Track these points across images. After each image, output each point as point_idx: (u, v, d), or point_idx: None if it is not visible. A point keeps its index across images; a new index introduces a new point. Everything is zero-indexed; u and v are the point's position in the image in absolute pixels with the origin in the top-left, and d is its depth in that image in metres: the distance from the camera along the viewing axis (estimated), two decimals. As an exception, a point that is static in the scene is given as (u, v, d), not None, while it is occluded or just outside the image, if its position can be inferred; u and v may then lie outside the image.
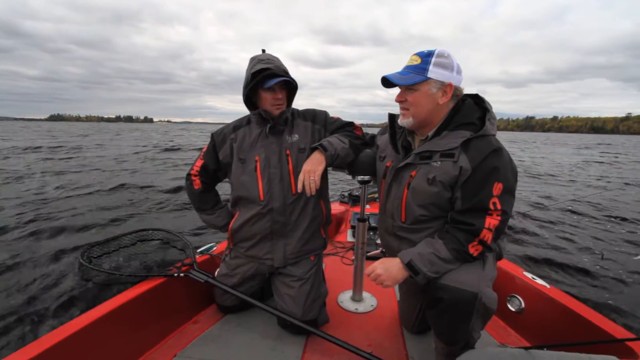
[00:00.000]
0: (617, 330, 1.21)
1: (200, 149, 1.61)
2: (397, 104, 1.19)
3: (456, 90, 1.11)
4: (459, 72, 1.10)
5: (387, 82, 1.17)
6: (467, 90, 1.18)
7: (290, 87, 1.45)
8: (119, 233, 1.81)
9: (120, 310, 1.29)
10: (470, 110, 1.12)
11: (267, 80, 1.33)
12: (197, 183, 1.55)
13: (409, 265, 1.07)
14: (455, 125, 1.11)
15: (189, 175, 1.57)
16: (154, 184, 6.84)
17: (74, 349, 1.11)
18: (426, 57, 1.08)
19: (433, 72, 1.07)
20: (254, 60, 1.37)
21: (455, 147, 1.07)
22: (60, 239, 3.63)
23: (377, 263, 1.14)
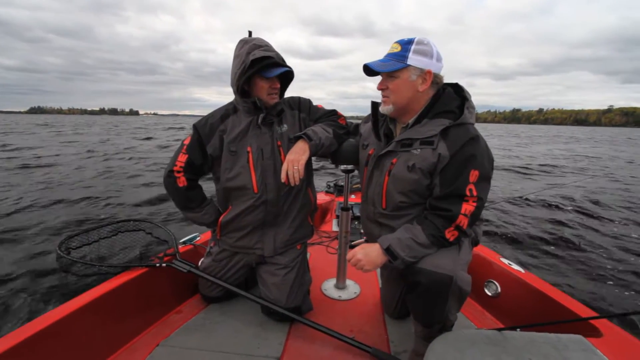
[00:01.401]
0: (584, 311, 1.28)
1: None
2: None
3: (436, 77, 1.13)
4: (438, 59, 1.12)
5: (369, 71, 1.18)
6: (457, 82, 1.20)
7: (283, 77, 1.41)
8: (100, 224, 1.77)
9: (100, 300, 1.27)
10: (450, 99, 1.14)
11: (268, 69, 1.28)
12: (181, 180, 1.42)
13: (387, 250, 1.09)
14: (435, 113, 1.12)
15: (170, 172, 1.41)
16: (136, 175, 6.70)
17: (52, 339, 1.10)
18: (406, 44, 1.09)
19: (412, 59, 1.08)
20: (248, 45, 1.27)
21: (434, 134, 1.09)
22: (37, 231, 3.52)
23: (357, 248, 1.17)
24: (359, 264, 1.13)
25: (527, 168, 10.18)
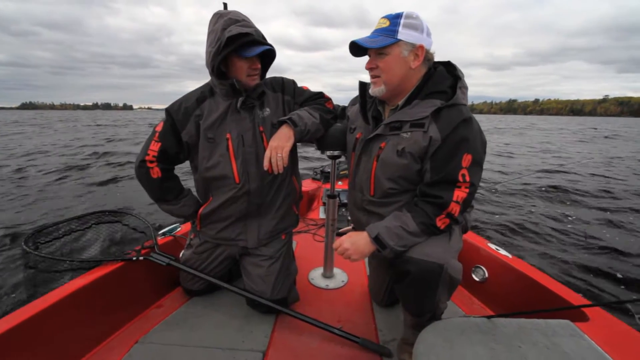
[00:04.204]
0: (570, 295, 1.28)
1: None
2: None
3: (427, 53, 1.07)
4: (428, 34, 1.06)
5: (356, 51, 1.11)
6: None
7: (263, 56, 1.28)
8: (72, 216, 1.67)
9: (72, 298, 1.19)
10: (442, 78, 1.08)
11: (247, 47, 1.15)
12: (155, 171, 1.30)
13: (376, 239, 1.04)
14: (427, 94, 1.07)
15: (142, 162, 1.29)
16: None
17: (21, 339, 1.02)
18: (394, 18, 1.02)
19: (403, 34, 1.02)
20: (224, 20, 1.13)
21: (425, 116, 1.04)
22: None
23: (344, 237, 1.11)
24: (346, 254, 1.09)
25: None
